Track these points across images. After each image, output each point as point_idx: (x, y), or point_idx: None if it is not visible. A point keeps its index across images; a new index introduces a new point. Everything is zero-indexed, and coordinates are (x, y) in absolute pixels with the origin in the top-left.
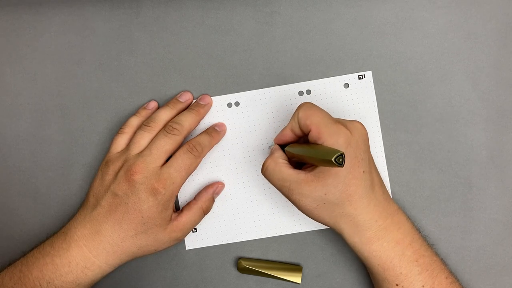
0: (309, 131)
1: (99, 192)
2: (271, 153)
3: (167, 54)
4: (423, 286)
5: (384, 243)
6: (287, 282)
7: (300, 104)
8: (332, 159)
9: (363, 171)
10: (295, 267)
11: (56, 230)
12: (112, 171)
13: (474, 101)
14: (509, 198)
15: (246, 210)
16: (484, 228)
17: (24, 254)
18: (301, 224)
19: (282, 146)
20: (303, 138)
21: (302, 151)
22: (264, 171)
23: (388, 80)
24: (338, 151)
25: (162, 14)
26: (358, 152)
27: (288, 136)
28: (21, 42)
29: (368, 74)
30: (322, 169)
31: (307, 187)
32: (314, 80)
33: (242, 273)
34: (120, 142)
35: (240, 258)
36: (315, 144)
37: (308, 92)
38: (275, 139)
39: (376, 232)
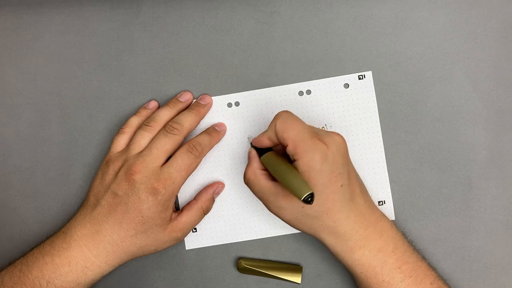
0: (287, 145)
1: (99, 191)
2: (250, 162)
3: (167, 54)
4: None
5: (366, 251)
6: (287, 282)
7: (277, 113)
8: (301, 199)
9: (341, 185)
10: (295, 267)
11: (56, 230)
12: (112, 170)
13: (474, 101)
14: (509, 198)
15: (246, 210)
16: (484, 228)
17: (24, 254)
18: None
19: (260, 150)
20: (281, 145)
21: (276, 173)
22: (246, 182)
23: (388, 80)
24: (308, 190)
25: (162, 14)
26: (335, 166)
27: (265, 143)
28: (21, 42)
29: (368, 74)
30: None
31: (284, 201)
32: (314, 80)
33: (242, 273)
34: (120, 142)
35: (240, 258)
36: (288, 166)
37: (308, 92)
38: (253, 141)
39: (357, 242)
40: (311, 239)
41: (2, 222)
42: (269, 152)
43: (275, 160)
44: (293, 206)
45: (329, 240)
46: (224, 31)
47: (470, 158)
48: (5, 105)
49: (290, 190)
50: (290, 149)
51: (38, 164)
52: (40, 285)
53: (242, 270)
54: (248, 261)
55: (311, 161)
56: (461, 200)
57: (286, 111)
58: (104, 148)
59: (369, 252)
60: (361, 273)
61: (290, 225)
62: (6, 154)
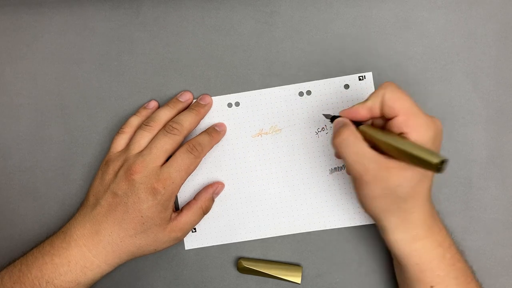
0: (394, 117)
1: (99, 191)
2: (346, 126)
3: (167, 54)
4: (456, 285)
5: (427, 243)
6: (287, 282)
7: (383, 83)
8: (436, 162)
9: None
10: (295, 267)
11: (56, 230)
12: (112, 170)
13: (474, 101)
14: (509, 198)
15: (246, 210)
16: (484, 228)
17: (24, 253)
18: (301, 224)
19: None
20: (376, 120)
21: (389, 142)
22: (340, 141)
23: (388, 81)
24: (442, 156)
25: (162, 14)
26: (437, 150)
27: (362, 114)
28: (21, 42)
29: (369, 75)
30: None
31: (385, 173)
32: (314, 81)
33: (242, 273)
34: (120, 142)
35: (240, 258)
36: (402, 137)
37: (309, 92)
38: (343, 113)
39: (422, 232)
40: (311, 239)
41: (2, 222)
42: (367, 124)
43: (381, 131)
44: (390, 181)
45: (395, 224)
46: (224, 31)
47: (470, 158)
48: (5, 105)
49: (415, 157)
50: (400, 121)
51: (38, 164)
52: (39, 284)
53: (242, 270)
54: (248, 261)
55: (423, 137)
56: (461, 200)
57: (393, 83)
58: (104, 148)
59: (430, 244)
60: (417, 264)
61: (364, 199)
62: (6, 154)
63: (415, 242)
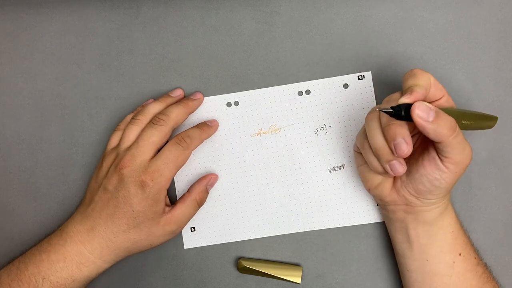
0: (441, 97)
1: (93, 188)
2: (444, 113)
3: (167, 54)
4: (475, 257)
5: (454, 212)
6: (287, 282)
7: (412, 70)
8: (496, 117)
9: None
10: (295, 267)
11: (55, 230)
12: (105, 167)
13: (474, 101)
14: (509, 198)
15: (245, 210)
16: (484, 228)
17: (22, 253)
18: (301, 224)
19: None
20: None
21: (462, 112)
22: (458, 130)
23: (387, 81)
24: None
25: (162, 14)
26: None
27: (425, 96)
28: (21, 42)
29: (368, 75)
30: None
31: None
32: (314, 80)
33: (242, 273)
34: (115, 139)
35: (240, 258)
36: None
37: (308, 92)
38: (412, 98)
39: (450, 202)
40: (311, 239)
41: (2, 222)
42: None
43: (455, 108)
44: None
45: (447, 199)
46: (224, 31)
47: None
48: (5, 105)
49: (480, 119)
50: (445, 99)
51: (38, 164)
52: (36, 281)
53: (242, 270)
54: (248, 261)
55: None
56: (461, 200)
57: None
58: (104, 148)
59: (455, 213)
60: (452, 232)
61: (450, 184)
62: (6, 154)
63: (451, 212)
